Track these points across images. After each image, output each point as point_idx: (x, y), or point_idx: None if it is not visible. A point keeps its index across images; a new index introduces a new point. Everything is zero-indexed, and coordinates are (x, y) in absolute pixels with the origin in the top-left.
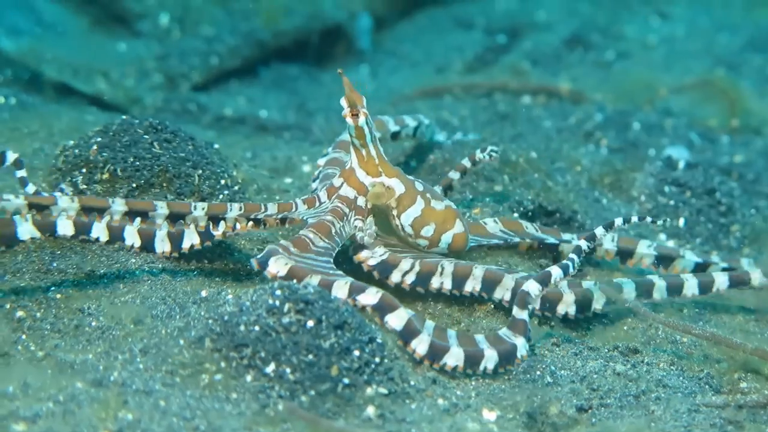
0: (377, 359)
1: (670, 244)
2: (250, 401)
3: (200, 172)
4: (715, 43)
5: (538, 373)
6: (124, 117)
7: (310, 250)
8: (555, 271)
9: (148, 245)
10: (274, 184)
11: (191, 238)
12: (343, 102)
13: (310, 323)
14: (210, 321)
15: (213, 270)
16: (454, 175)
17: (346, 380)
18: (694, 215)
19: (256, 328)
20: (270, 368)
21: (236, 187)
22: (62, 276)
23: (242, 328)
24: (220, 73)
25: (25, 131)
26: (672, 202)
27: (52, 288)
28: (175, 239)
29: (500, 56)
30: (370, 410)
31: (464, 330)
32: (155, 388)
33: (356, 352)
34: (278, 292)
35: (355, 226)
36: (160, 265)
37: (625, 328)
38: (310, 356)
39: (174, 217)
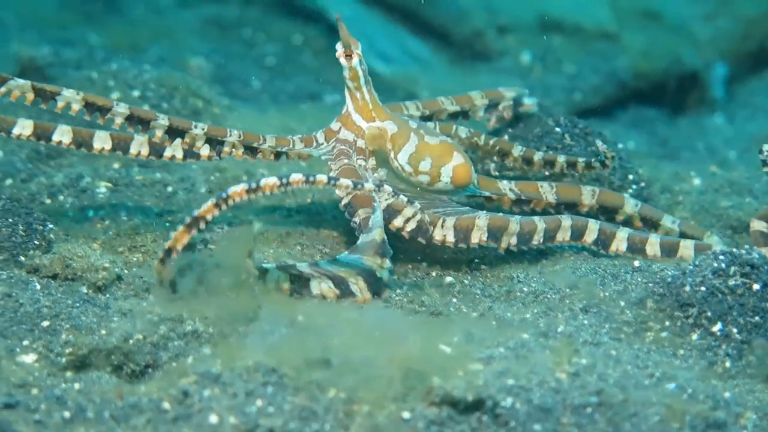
0: None
1: None
2: (698, 358)
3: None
4: None
5: None
6: None
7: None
8: None
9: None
10: (675, 186)
11: (175, 151)
12: (338, 45)
13: (756, 286)
14: (651, 284)
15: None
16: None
17: None
18: None
19: (702, 289)
20: (716, 327)
21: (642, 184)
22: (483, 251)
23: (687, 288)
24: (581, 110)
25: None
26: None
27: (475, 260)
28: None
29: None
30: None
31: None
32: (603, 341)
33: None
34: (723, 257)
35: (359, 165)
36: (579, 245)
37: None
38: (757, 318)
39: (174, 132)
